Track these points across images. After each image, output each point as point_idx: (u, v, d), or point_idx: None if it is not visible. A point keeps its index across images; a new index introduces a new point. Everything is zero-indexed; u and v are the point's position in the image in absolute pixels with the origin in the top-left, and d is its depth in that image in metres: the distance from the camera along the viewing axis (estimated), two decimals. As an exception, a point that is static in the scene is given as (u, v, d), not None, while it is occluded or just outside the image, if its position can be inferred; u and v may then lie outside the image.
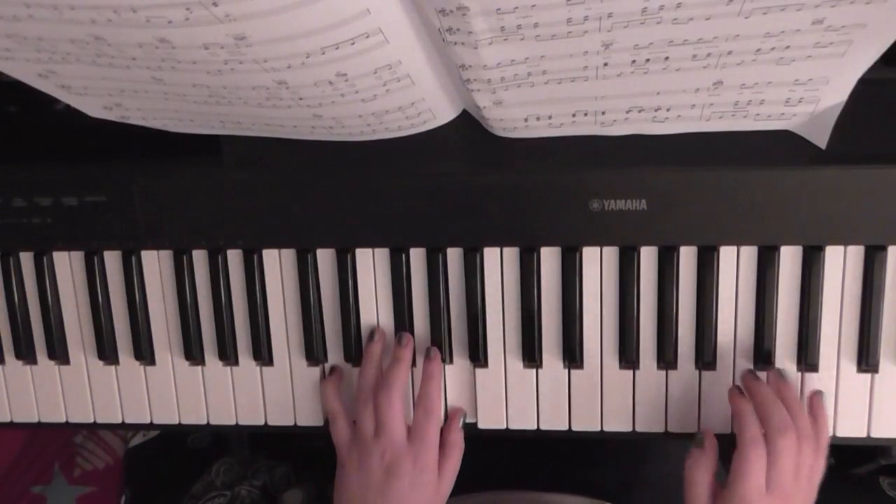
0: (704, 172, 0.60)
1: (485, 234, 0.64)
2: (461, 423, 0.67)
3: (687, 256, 0.63)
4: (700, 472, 0.60)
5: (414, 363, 0.67)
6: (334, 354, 0.69)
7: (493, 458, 0.78)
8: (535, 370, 0.67)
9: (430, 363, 0.66)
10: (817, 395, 0.63)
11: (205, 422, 0.72)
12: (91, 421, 0.73)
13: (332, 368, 0.69)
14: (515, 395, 0.67)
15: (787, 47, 0.49)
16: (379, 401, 0.64)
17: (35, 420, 0.74)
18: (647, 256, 0.64)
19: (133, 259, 0.69)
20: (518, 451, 0.79)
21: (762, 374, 0.63)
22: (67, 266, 0.70)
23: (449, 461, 0.65)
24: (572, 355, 0.65)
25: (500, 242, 0.65)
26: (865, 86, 0.53)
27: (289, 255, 0.67)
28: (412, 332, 0.67)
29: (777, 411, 0.59)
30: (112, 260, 0.69)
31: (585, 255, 0.64)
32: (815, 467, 0.60)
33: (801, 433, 0.59)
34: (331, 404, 0.67)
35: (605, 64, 0.50)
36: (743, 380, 0.63)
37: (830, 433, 0.63)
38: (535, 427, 0.68)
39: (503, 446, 0.79)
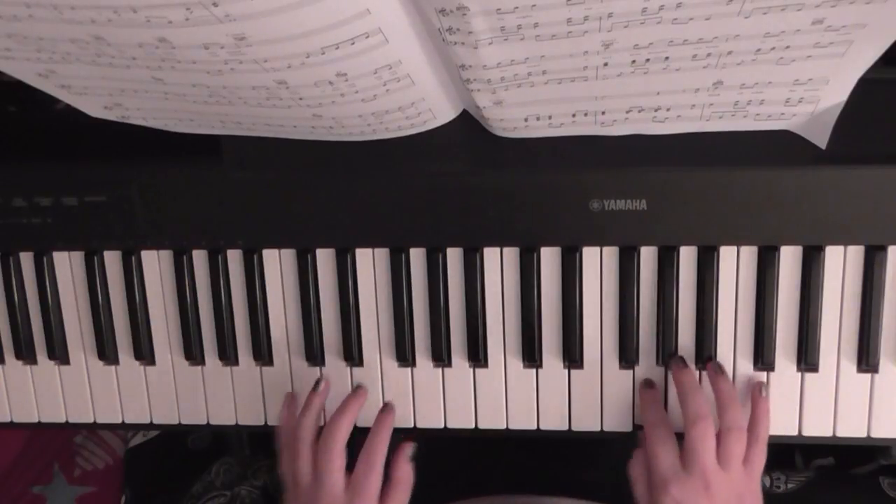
0: (704, 172, 0.60)
1: (485, 234, 0.64)
2: (410, 456, 0.65)
3: (687, 256, 0.63)
4: (638, 467, 0.62)
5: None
6: (334, 355, 0.69)
7: (490, 462, 0.78)
8: (535, 370, 0.67)
9: (382, 415, 0.66)
10: (758, 386, 0.63)
11: (205, 422, 0.72)
12: (91, 421, 0.73)
13: (286, 395, 0.69)
14: (515, 395, 0.67)
15: (787, 47, 0.49)
16: (319, 454, 0.63)
17: (35, 420, 0.74)
18: (647, 256, 0.64)
19: (133, 259, 0.69)
20: (515, 454, 0.79)
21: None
22: (67, 266, 0.70)
23: (394, 499, 0.64)
24: (572, 355, 0.65)
25: (500, 242, 0.65)
26: (865, 86, 0.53)
27: (289, 255, 0.67)
28: (412, 333, 0.67)
29: (692, 400, 0.60)
30: (112, 260, 0.70)
31: (585, 255, 0.64)
32: (750, 459, 0.60)
33: (727, 423, 0.60)
34: (281, 435, 0.66)
35: (605, 64, 0.50)
36: (671, 368, 0.64)
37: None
38: (535, 427, 0.68)
39: (500, 450, 0.79)
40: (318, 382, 0.67)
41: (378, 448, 0.64)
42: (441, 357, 0.67)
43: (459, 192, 0.63)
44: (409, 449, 0.65)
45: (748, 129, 0.59)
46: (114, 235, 0.68)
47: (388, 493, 0.63)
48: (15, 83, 0.57)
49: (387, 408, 0.67)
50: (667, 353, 0.64)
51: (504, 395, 0.68)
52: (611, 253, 0.64)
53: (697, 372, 0.65)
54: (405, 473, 0.65)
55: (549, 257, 0.65)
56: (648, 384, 0.65)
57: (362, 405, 0.67)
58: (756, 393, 0.63)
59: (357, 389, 0.68)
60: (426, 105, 0.57)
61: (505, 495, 0.75)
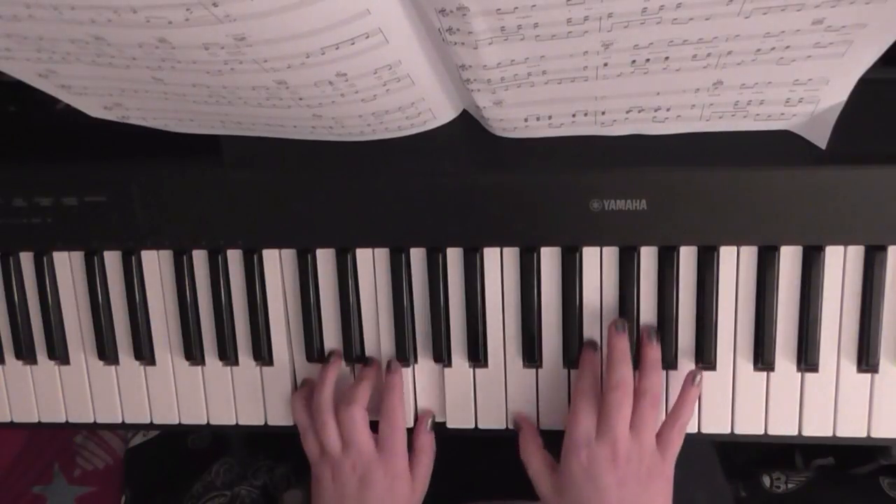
0: (704, 172, 0.60)
1: (485, 234, 0.64)
2: (429, 426, 0.68)
3: (687, 256, 0.63)
4: (529, 452, 0.64)
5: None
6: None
7: (488, 466, 0.78)
8: (535, 370, 0.67)
9: (390, 375, 0.67)
10: (693, 374, 0.63)
11: (205, 422, 0.72)
12: (91, 421, 0.73)
13: (303, 381, 0.70)
14: (515, 395, 0.67)
15: (787, 47, 0.49)
16: (341, 418, 0.65)
17: (35, 420, 0.74)
18: (647, 256, 0.64)
19: (133, 259, 0.69)
20: (513, 459, 0.79)
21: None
22: (67, 266, 0.70)
23: (420, 465, 0.66)
24: (572, 355, 0.65)
25: (500, 242, 0.65)
26: (865, 86, 0.53)
27: (289, 255, 0.67)
28: (412, 333, 0.67)
29: (617, 368, 0.61)
30: (112, 260, 0.69)
31: (585, 255, 0.64)
32: (666, 439, 0.61)
33: (642, 391, 0.61)
34: (301, 418, 0.67)
35: (605, 64, 0.50)
36: (609, 331, 0.64)
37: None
38: (534, 427, 0.68)
39: (498, 455, 0.79)
40: (330, 355, 0.68)
41: (395, 406, 0.66)
42: (441, 357, 0.67)
43: (459, 192, 0.63)
44: (427, 418, 0.68)
45: (748, 129, 0.59)
46: (114, 235, 0.68)
47: (413, 460, 0.66)
48: (15, 83, 0.57)
49: (392, 365, 0.67)
50: (667, 353, 0.64)
51: (504, 395, 0.68)
52: (611, 253, 0.64)
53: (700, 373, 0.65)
54: (427, 441, 0.67)
55: (549, 257, 0.65)
56: (592, 346, 0.65)
57: (377, 375, 0.68)
58: (688, 379, 0.63)
59: (370, 361, 0.68)
60: (426, 105, 0.57)
61: (500, 501, 0.75)
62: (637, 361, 0.63)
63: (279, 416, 0.71)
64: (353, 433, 0.64)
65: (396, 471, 0.64)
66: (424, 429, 0.68)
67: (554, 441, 0.65)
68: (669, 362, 0.65)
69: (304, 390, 0.68)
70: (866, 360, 0.62)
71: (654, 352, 0.63)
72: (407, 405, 0.68)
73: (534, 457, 0.64)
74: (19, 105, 0.72)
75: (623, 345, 0.62)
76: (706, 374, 0.65)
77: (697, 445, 0.74)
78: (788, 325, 0.63)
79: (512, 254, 0.65)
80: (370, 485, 0.64)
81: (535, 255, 0.64)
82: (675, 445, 0.61)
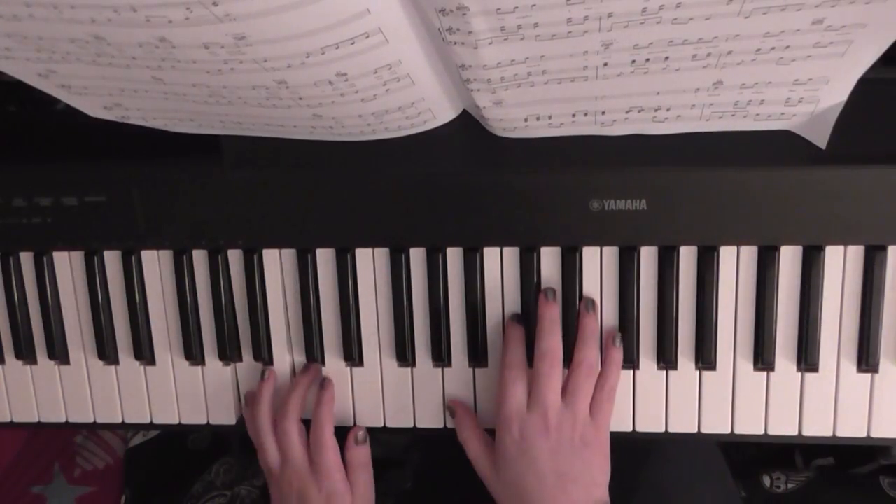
0: (704, 172, 0.60)
1: (485, 234, 0.64)
2: (359, 440, 0.67)
3: (687, 256, 0.63)
4: (466, 436, 0.64)
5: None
6: (334, 355, 0.69)
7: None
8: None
9: (322, 392, 0.67)
10: (611, 334, 0.63)
11: (204, 422, 0.72)
12: (91, 421, 0.73)
13: (247, 396, 0.70)
14: (515, 395, 0.67)
15: (787, 47, 0.49)
16: (277, 432, 0.65)
17: (35, 420, 0.74)
18: (647, 256, 0.64)
19: (133, 259, 0.69)
20: None
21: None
22: (67, 266, 0.70)
23: (358, 481, 0.66)
24: (572, 355, 0.65)
25: (500, 242, 0.65)
26: (865, 86, 0.53)
27: (289, 255, 0.67)
28: (412, 333, 0.67)
29: (546, 337, 0.61)
30: (112, 260, 0.70)
31: (585, 255, 0.64)
32: (597, 406, 0.61)
33: (576, 361, 0.61)
34: (255, 433, 0.68)
35: (605, 64, 0.50)
36: (539, 299, 0.64)
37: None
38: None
39: None
40: (263, 372, 0.68)
41: (323, 424, 0.66)
42: (441, 357, 0.67)
43: (459, 192, 0.63)
44: (357, 433, 0.67)
45: (748, 129, 0.59)
46: (114, 235, 0.68)
47: (349, 477, 0.65)
48: (15, 83, 0.56)
49: (325, 383, 0.67)
50: (667, 353, 0.64)
51: (504, 395, 0.67)
52: (611, 253, 0.64)
53: (698, 373, 0.65)
54: (359, 455, 0.67)
55: (549, 257, 0.65)
56: (517, 319, 0.64)
57: (311, 382, 0.68)
58: (609, 342, 0.63)
59: (307, 368, 0.68)
60: (426, 105, 0.57)
61: None
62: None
63: (279, 416, 0.71)
64: (288, 448, 0.65)
65: (330, 489, 0.64)
66: (353, 442, 0.67)
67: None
68: (669, 362, 0.65)
69: (259, 404, 0.68)
70: (866, 360, 0.62)
71: (592, 322, 0.63)
72: (406, 406, 0.68)
73: (471, 440, 0.64)
74: (19, 105, 0.72)
75: (551, 313, 0.62)
76: (706, 374, 0.65)
77: (704, 446, 0.74)
78: (788, 325, 0.63)
79: (512, 254, 0.65)
80: (307, 501, 0.64)
81: (535, 255, 0.64)
82: (607, 412, 0.61)
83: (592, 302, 0.63)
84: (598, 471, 0.60)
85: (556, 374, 0.60)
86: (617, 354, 0.63)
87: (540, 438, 0.59)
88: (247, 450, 0.91)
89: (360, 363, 0.69)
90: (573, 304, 0.65)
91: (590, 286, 0.64)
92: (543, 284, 0.65)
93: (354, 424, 0.69)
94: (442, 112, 0.60)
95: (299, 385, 0.67)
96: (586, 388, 0.60)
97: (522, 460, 0.59)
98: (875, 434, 0.64)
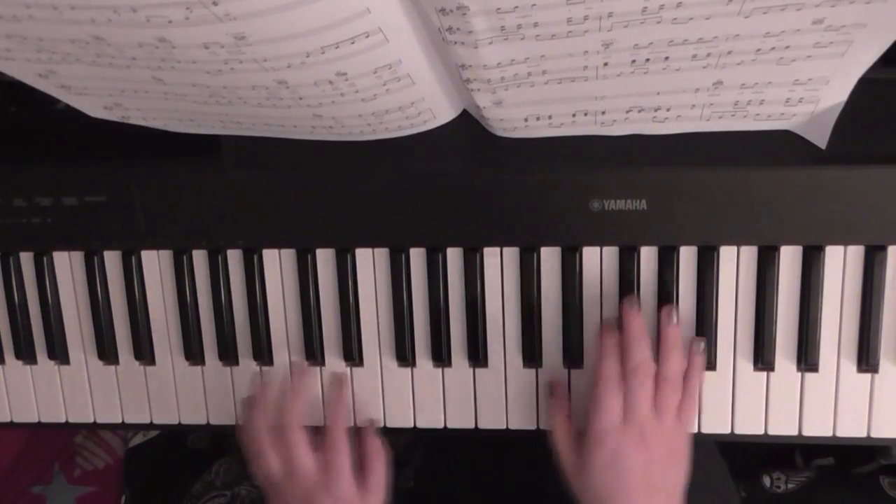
0: (704, 172, 0.60)
1: (485, 234, 0.64)
2: (374, 432, 0.66)
3: (687, 256, 0.63)
4: (556, 419, 0.63)
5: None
6: (334, 355, 0.69)
7: (493, 472, 0.78)
8: (535, 370, 0.67)
9: (333, 393, 0.66)
10: (696, 341, 0.63)
11: (205, 422, 0.72)
12: (91, 421, 0.73)
13: (245, 402, 0.67)
14: (515, 395, 0.67)
15: (787, 47, 0.49)
16: (282, 441, 0.63)
17: (35, 420, 0.74)
18: (647, 256, 0.64)
19: (133, 259, 0.69)
20: (518, 465, 0.79)
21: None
22: (67, 266, 0.70)
23: (372, 475, 0.64)
24: (572, 355, 0.65)
25: (500, 242, 0.65)
26: (865, 86, 0.53)
27: (289, 255, 0.67)
28: (412, 333, 0.67)
29: (636, 349, 0.60)
30: (112, 260, 0.70)
31: (585, 255, 0.64)
32: (683, 410, 0.61)
33: (664, 373, 0.60)
34: (246, 445, 0.65)
35: (605, 64, 0.50)
36: (621, 309, 0.63)
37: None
38: (534, 427, 0.68)
39: (503, 460, 0.79)
40: (262, 377, 0.68)
41: (337, 421, 0.64)
42: (441, 357, 0.67)
43: (459, 192, 0.63)
44: (371, 426, 0.66)
45: (748, 129, 0.59)
46: (114, 235, 0.68)
47: (364, 466, 0.64)
48: (15, 83, 0.56)
49: (334, 381, 0.67)
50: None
51: (504, 395, 0.68)
52: (611, 253, 0.64)
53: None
54: (375, 445, 0.65)
55: (549, 257, 0.65)
56: (611, 328, 0.63)
57: (308, 382, 0.67)
58: (694, 348, 0.63)
59: (301, 372, 0.67)
60: (426, 105, 0.57)
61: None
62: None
63: (279, 416, 0.71)
64: (294, 457, 0.62)
65: (340, 492, 0.61)
66: (370, 433, 0.65)
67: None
68: (669, 362, 0.65)
69: (258, 413, 0.66)
70: (866, 360, 0.62)
71: (674, 331, 0.62)
72: (406, 406, 0.68)
73: (560, 429, 0.63)
74: (19, 105, 0.72)
75: (638, 324, 0.61)
76: (707, 374, 0.64)
77: (703, 447, 0.74)
78: (788, 325, 0.63)
79: (512, 254, 0.65)
80: None
81: (535, 255, 0.64)
82: (692, 415, 0.62)
83: (669, 311, 0.63)
84: (681, 478, 0.60)
85: (650, 386, 0.59)
86: (702, 361, 0.63)
87: (635, 453, 0.58)
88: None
89: (360, 363, 0.69)
90: (573, 305, 0.65)
91: (590, 286, 0.64)
92: (543, 284, 0.65)
93: (355, 424, 0.68)
94: (442, 112, 0.60)
95: (299, 391, 0.65)
96: (674, 400, 0.60)
97: (612, 471, 0.59)
98: (875, 434, 0.64)
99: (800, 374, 0.64)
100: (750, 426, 0.65)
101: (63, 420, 0.74)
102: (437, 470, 0.74)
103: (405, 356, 0.67)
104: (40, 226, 0.68)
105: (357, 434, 0.65)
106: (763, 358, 0.64)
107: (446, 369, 0.68)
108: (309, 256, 0.67)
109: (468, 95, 0.55)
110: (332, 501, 0.61)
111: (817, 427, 0.65)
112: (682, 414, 0.61)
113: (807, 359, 0.63)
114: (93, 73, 0.54)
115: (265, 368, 0.70)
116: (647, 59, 0.50)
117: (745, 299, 0.63)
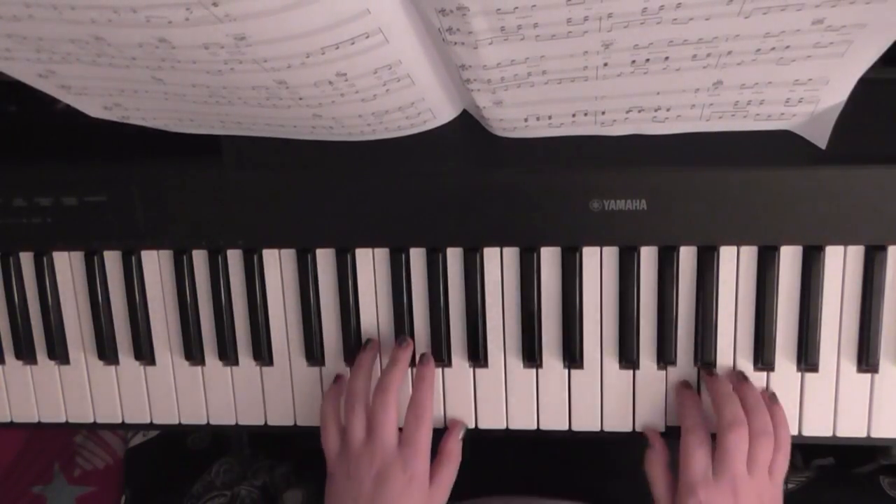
0: (704, 172, 0.60)
1: (485, 234, 0.64)
2: (461, 435, 0.66)
3: (687, 256, 0.63)
4: (655, 468, 0.63)
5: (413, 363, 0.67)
6: (334, 354, 0.69)
7: (493, 462, 0.78)
8: (535, 370, 0.67)
9: (422, 367, 0.66)
10: (772, 395, 0.64)
11: (205, 422, 0.72)
12: (91, 421, 0.73)
13: (336, 377, 0.69)
14: (515, 395, 0.67)
15: (787, 47, 0.49)
16: (374, 404, 0.63)
17: (35, 420, 0.74)
18: (647, 256, 0.64)
19: (133, 259, 0.69)
20: (520, 456, 0.79)
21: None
22: (67, 266, 0.70)
23: (443, 470, 0.64)
24: (572, 355, 0.65)
25: (500, 242, 0.65)
26: (865, 86, 0.53)
27: (289, 255, 0.67)
28: (412, 333, 0.67)
29: (730, 406, 0.61)
30: (112, 260, 0.70)
31: (585, 255, 0.64)
32: (776, 463, 0.61)
33: (757, 429, 0.60)
34: (328, 409, 0.66)
35: (605, 64, 0.50)
36: (704, 377, 0.64)
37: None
38: (534, 427, 0.68)
39: (504, 451, 0.79)
40: (367, 341, 0.67)
41: (425, 399, 0.65)
42: (441, 357, 0.67)
43: (459, 192, 0.63)
44: (460, 427, 0.67)
45: (748, 129, 0.59)
46: (114, 235, 0.68)
47: (436, 465, 0.64)
48: (15, 83, 0.57)
49: (424, 358, 0.66)
50: (667, 353, 0.64)
51: (504, 395, 0.68)
52: (611, 253, 0.64)
53: (698, 372, 0.65)
54: (454, 448, 0.66)
55: (549, 257, 0.65)
56: (686, 385, 0.65)
57: (410, 356, 0.67)
58: (769, 401, 0.63)
59: (402, 340, 0.67)
60: (426, 105, 0.57)
61: (505, 496, 0.75)
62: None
63: (279, 416, 0.71)
64: (382, 422, 0.62)
65: (415, 470, 0.62)
66: (455, 437, 0.66)
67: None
68: (668, 363, 0.65)
69: (338, 386, 0.67)
70: (866, 360, 0.62)
71: (754, 390, 0.63)
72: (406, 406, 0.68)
73: (659, 478, 0.63)
74: (19, 105, 0.72)
75: (724, 384, 0.63)
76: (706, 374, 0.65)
77: None
78: (788, 325, 0.63)
79: (512, 254, 0.65)
80: (386, 482, 0.61)
81: (535, 255, 0.64)
82: (783, 470, 0.62)
83: (742, 374, 0.64)
84: None
85: (745, 442, 0.60)
86: (782, 411, 0.63)
87: None
88: (247, 450, 0.91)
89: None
90: (573, 305, 0.65)
91: (590, 286, 0.64)
92: (543, 284, 0.65)
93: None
94: (442, 112, 0.60)
95: (401, 360, 0.65)
96: (767, 455, 0.60)
97: None
98: (875, 434, 0.64)
99: (800, 374, 0.64)
100: (750, 426, 0.65)
101: (63, 420, 0.74)
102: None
103: (405, 356, 0.67)
104: (40, 226, 0.68)
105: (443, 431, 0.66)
106: (763, 358, 0.64)
107: (446, 369, 0.68)
108: (309, 256, 0.67)
109: (468, 95, 0.55)
110: (405, 479, 0.61)
111: (817, 427, 0.65)
112: (773, 467, 0.61)
113: (807, 359, 0.63)
114: (93, 73, 0.54)
115: (265, 368, 0.70)
116: (647, 60, 0.50)
117: (745, 299, 0.63)
